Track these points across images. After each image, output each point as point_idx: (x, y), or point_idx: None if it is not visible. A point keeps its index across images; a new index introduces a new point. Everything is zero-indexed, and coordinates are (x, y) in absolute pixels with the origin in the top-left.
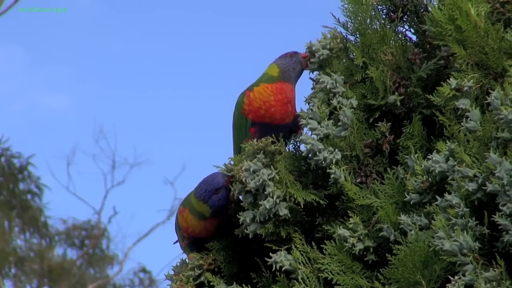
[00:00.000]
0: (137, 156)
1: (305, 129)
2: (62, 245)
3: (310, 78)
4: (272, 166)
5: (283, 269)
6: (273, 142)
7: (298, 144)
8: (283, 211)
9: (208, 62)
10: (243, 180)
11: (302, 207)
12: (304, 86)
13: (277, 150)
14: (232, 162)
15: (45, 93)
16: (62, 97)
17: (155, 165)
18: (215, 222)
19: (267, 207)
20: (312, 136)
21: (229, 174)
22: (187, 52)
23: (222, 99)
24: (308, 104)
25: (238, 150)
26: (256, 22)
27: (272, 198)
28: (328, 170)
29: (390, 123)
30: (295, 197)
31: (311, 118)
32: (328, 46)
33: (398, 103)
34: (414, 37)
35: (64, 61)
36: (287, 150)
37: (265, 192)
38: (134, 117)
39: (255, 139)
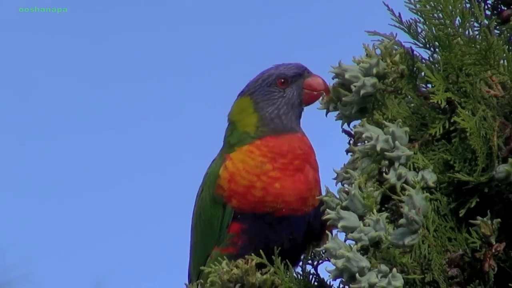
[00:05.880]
0: (6, 270)
1: (335, 230)
2: None
3: (344, 132)
4: None
5: None
6: (260, 266)
7: (317, 262)
8: None
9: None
10: None
11: None
12: (323, 139)
13: (267, 281)
14: None
15: None
16: None
17: (42, 285)
18: None
19: None
20: (348, 243)
21: None
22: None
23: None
24: (341, 183)
25: (197, 271)
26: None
27: None
28: None
29: (499, 220)
30: None
31: (345, 208)
32: (375, 71)
33: None
34: None
35: None
36: (293, 276)
37: None
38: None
39: (237, 248)
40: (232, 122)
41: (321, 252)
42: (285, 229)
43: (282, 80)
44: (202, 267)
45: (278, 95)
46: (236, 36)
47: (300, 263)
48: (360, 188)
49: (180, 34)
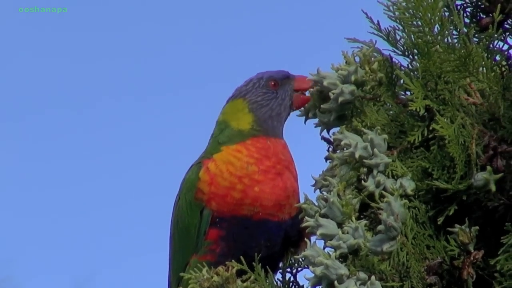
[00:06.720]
0: None
1: (313, 238)
2: None
3: (323, 139)
4: None
5: None
6: (241, 273)
7: (295, 269)
8: None
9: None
10: None
11: None
12: (302, 147)
13: None
14: None
15: None
16: None
17: (25, 287)
18: None
19: None
20: (327, 250)
21: None
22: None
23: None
24: (319, 190)
25: (177, 279)
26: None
27: None
28: None
29: (477, 227)
30: None
31: (324, 216)
32: (353, 78)
33: (493, 188)
34: None
35: None
36: (273, 283)
37: None
38: None
39: (216, 255)
40: (224, 121)
41: (300, 260)
42: (262, 234)
43: (273, 83)
44: (182, 274)
45: (271, 96)
46: (212, 40)
47: (280, 271)
48: (339, 195)
49: (180, 34)
